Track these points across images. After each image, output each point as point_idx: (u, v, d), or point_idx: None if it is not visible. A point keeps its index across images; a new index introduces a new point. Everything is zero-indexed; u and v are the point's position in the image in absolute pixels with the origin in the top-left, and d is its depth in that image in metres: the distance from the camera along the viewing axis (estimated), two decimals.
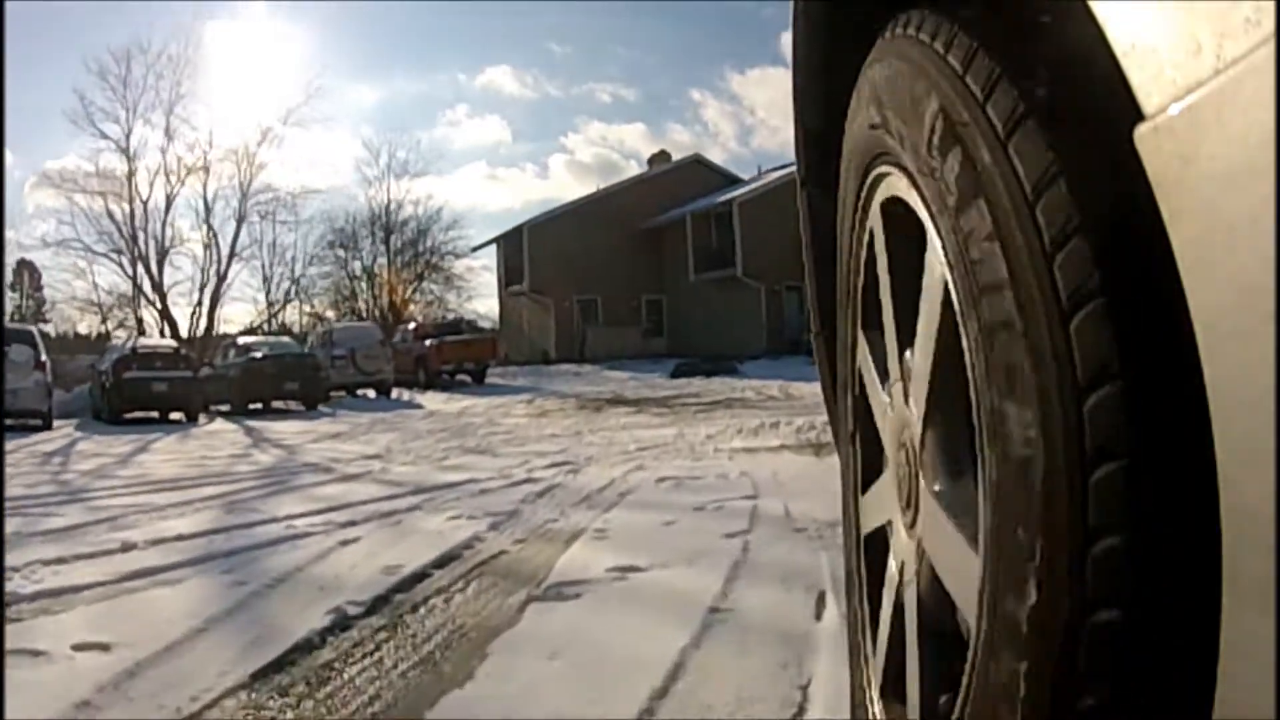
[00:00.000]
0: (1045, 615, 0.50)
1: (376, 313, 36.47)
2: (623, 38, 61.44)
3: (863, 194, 0.92)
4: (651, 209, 30.82)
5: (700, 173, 32.93)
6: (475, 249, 37.33)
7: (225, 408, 16.32)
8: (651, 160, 34.73)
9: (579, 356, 28.25)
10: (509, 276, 33.53)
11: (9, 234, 28.04)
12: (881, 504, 0.94)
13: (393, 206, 38.61)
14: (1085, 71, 0.51)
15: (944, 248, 0.65)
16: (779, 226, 24.82)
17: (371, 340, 20.40)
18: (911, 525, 0.80)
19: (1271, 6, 0.37)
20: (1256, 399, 0.38)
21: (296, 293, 37.14)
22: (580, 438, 7.87)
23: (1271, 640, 0.38)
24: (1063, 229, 0.51)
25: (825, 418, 4.52)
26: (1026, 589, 0.52)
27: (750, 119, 58.94)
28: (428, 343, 21.62)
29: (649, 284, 31.18)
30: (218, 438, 10.44)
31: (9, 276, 29.78)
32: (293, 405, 16.36)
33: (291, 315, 37.30)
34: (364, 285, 39.08)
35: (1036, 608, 0.51)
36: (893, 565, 0.88)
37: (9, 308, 32.00)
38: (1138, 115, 0.45)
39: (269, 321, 35.75)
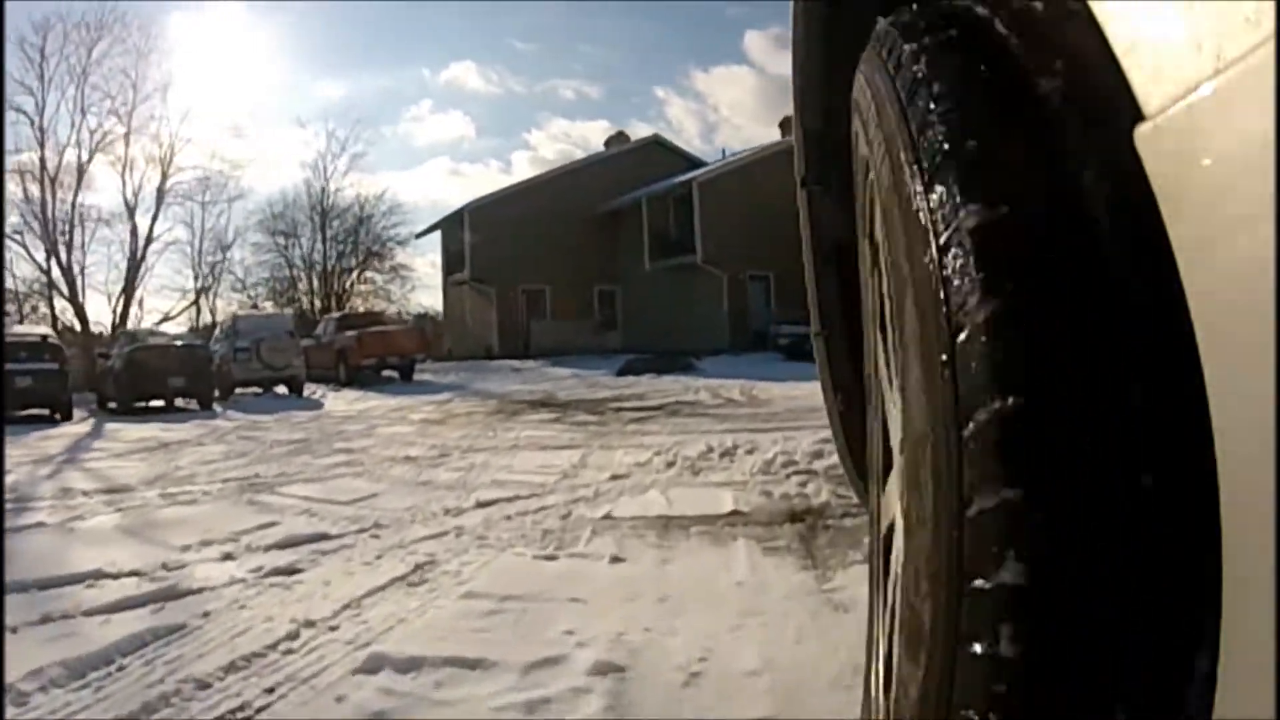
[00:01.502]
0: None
1: (318, 304, 37.21)
2: (587, 35, 66.23)
3: (865, 195, 0.98)
4: (607, 193, 30.49)
5: (660, 155, 32.73)
6: (418, 235, 37.63)
7: (114, 405, 15.77)
8: (609, 142, 34.39)
9: (524, 351, 28.02)
10: (450, 265, 33.37)
11: None
12: (889, 502, 0.99)
13: (332, 190, 39.34)
14: (1085, 71, 0.56)
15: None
16: (743, 209, 24.66)
17: (279, 331, 19.77)
18: None
19: (1271, 6, 0.40)
20: (1256, 399, 0.41)
21: (217, 280, 37.25)
22: (443, 462, 6.38)
23: (1271, 640, 0.41)
24: (949, 236, 0.58)
25: (805, 437, 5.04)
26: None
27: (714, 116, 63.13)
28: (349, 335, 21.05)
29: (603, 273, 30.99)
30: None
31: None
32: (191, 404, 15.79)
33: (233, 308, 36.98)
34: (303, 274, 39.69)
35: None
36: (894, 563, 0.92)
37: None
38: (1138, 115, 0.48)
39: (197, 312, 35.94)
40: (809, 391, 10.40)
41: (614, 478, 5.19)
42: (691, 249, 26.86)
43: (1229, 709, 0.46)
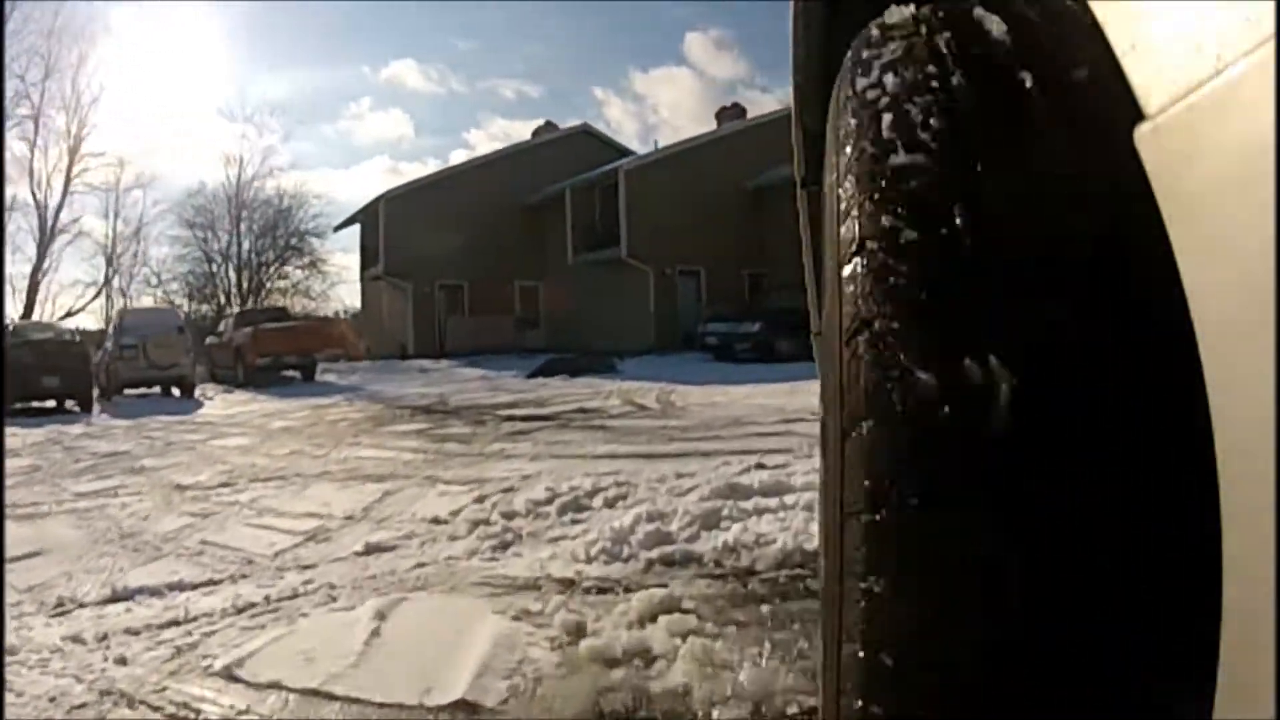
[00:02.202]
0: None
1: (237, 300, 37.38)
2: (527, 34, 69.55)
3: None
4: (533, 185, 29.92)
5: (589, 145, 32.28)
6: (337, 228, 37.03)
7: None
8: (537, 132, 33.96)
9: (440, 351, 27.62)
10: (366, 259, 32.92)
11: None
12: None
13: (249, 181, 39.80)
14: (1085, 71, 0.58)
15: None
16: (674, 201, 24.46)
17: (167, 327, 19.08)
18: None
19: (1271, 6, 0.42)
20: (1257, 399, 0.42)
21: (128, 274, 37.43)
22: (210, 495, 5.40)
23: (1271, 639, 0.42)
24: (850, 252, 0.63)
25: (707, 473, 4.82)
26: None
27: (654, 118, 65.76)
28: (245, 332, 20.50)
29: (525, 269, 30.46)
30: None
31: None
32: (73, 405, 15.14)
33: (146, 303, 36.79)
34: (222, 269, 39.85)
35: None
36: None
37: None
38: (1138, 115, 0.50)
39: (109, 308, 35.75)
40: (734, 397, 10.18)
41: (366, 551, 3.73)
42: (617, 242, 26.12)
43: (1229, 709, 0.48)
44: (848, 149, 0.76)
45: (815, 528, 2.72)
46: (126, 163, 35.68)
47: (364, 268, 33.14)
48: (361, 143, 67.03)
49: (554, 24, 68.21)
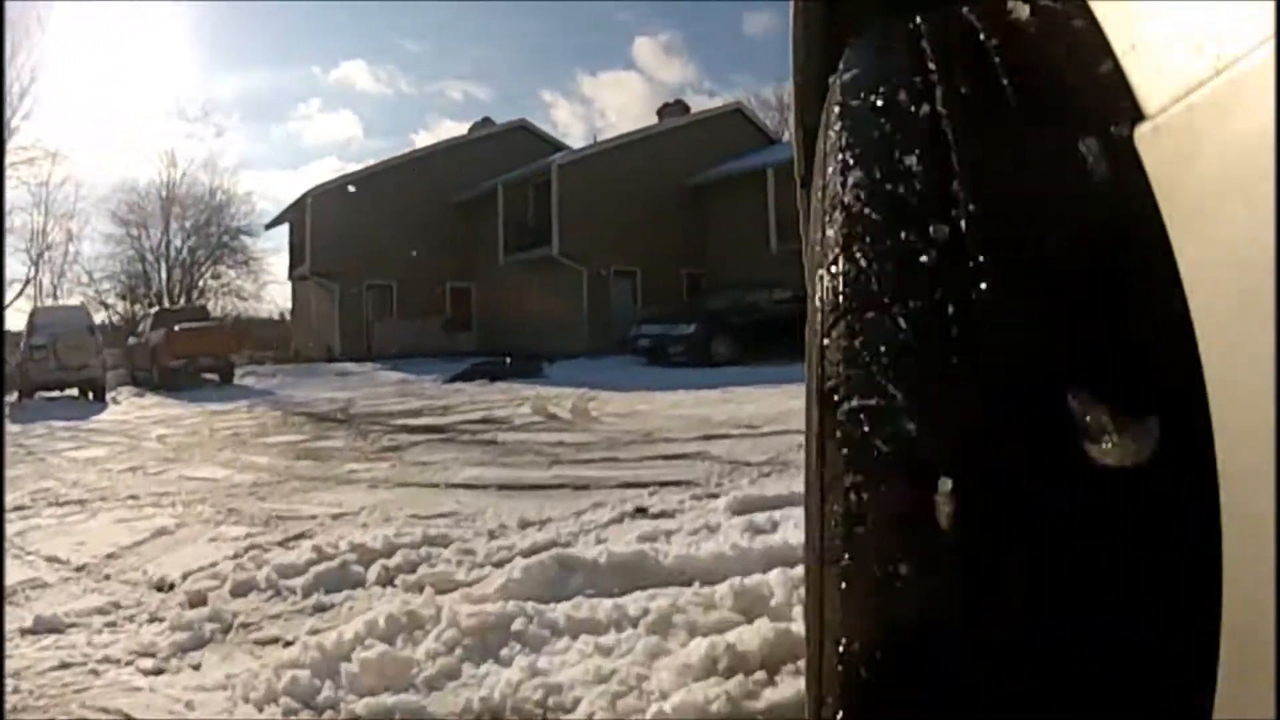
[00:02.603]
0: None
1: (167, 300, 36.68)
2: (477, 36, 71.37)
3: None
4: (468, 182, 29.31)
5: (527, 142, 31.52)
6: (268, 226, 36.26)
7: None
8: (474, 128, 33.41)
9: (367, 353, 26.94)
10: (294, 258, 32.16)
11: None
12: None
13: (180, 178, 39.40)
14: (1085, 71, 0.59)
15: None
16: (611, 199, 24.19)
17: (77, 327, 18.65)
18: None
19: (1271, 6, 0.43)
20: (1257, 399, 0.44)
21: (37, 272, 36.45)
22: None
23: (1271, 639, 0.43)
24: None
25: (616, 517, 4.29)
26: None
27: (600, 122, 68.01)
28: (159, 333, 20.42)
29: (457, 269, 29.99)
30: None
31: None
32: None
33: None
34: (155, 267, 39.47)
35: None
36: None
37: None
38: (1138, 115, 0.52)
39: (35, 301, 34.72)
40: (658, 406, 9.87)
41: (34, 629, 2.93)
42: (549, 240, 25.61)
43: (1229, 709, 0.49)
44: (833, 158, 0.77)
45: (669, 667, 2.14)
46: (61, 157, 34.76)
47: (292, 267, 32.43)
48: (311, 144, 68.00)
49: (503, 26, 70.53)
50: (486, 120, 33.69)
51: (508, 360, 18.49)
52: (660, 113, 30.24)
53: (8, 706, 2.27)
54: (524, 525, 4.06)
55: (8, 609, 3.18)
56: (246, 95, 67.30)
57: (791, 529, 3.35)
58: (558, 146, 32.19)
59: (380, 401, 12.88)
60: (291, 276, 33.04)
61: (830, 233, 0.74)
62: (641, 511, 4.22)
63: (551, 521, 4.11)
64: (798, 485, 4.04)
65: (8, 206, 32.84)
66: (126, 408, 15.39)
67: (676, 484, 4.94)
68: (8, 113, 31.59)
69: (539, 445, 7.21)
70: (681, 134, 27.61)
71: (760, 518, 3.67)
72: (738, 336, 17.88)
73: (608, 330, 24.07)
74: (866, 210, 0.70)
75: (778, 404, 8.97)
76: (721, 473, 5.27)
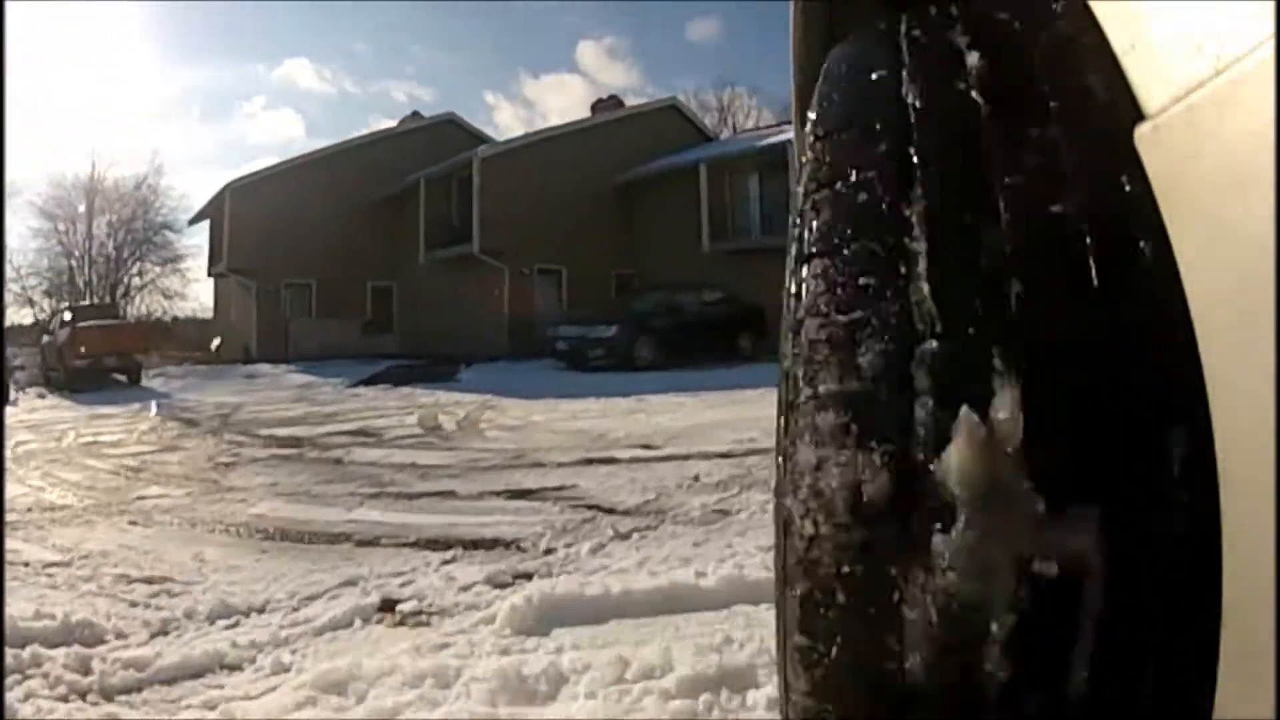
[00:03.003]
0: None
1: (90, 297, 36.31)
2: (422, 37, 72.75)
3: None
4: (395, 177, 28.03)
5: (456, 137, 30.19)
6: (192, 221, 35.16)
7: None
8: (402, 122, 32.53)
9: (285, 355, 25.97)
10: (213, 253, 31.04)
11: None
12: None
13: (104, 173, 38.88)
14: (1086, 71, 0.61)
15: None
16: (536, 194, 23.54)
17: None
18: None
19: (1271, 6, 0.44)
20: (1256, 398, 0.45)
21: None
22: None
23: (1271, 640, 0.44)
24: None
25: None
26: None
27: (542, 124, 66.93)
28: (65, 332, 20.23)
29: (379, 267, 29.05)
30: None
31: None
32: None
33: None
34: (81, 264, 39.11)
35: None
36: None
37: None
38: (1138, 115, 0.53)
39: None
40: (558, 416, 9.32)
41: None
42: (470, 237, 24.29)
43: (1229, 709, 0.50)
44: (807, 169, 0.80)
45: None
46: None
47: (211, 264, 31.42)
48: (254, 142, 68.39)
49: (447, 27, 72.17)
50: (416, 114, 33.03)
51: (422, 364, 18.16)
52: (594, 108, 29.66)
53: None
54: (213, 618, 3.13)
55: None
56: (191, 91, 69.34)
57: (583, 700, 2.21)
58: (486, 141, 31.02)
59: (268, 407, 12.44)
60: (210, 273, 32.11)
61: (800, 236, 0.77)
62: (389, 607, 3.15)
63: (248, 616, 3.16)
64: (663, 561, 3.48)
65: None
66: (19, 410, 14.94)
67: (493, 545, 4.03)
68: None
69: (385, 468, 6.54)
70: (614, 129, 27.06)
71: (543, 656, 2.47)
72: (662, 339, 17.38)
73: (531, 332, 22.61)
74: (824, 224, 0.74)
75: (690, 415, 8.66)
76: (569, 526, 4.30)
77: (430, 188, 26.89)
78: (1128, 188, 0.56)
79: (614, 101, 30.01)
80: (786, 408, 0.75)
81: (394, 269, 29.35)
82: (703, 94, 52.75)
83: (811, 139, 0.82)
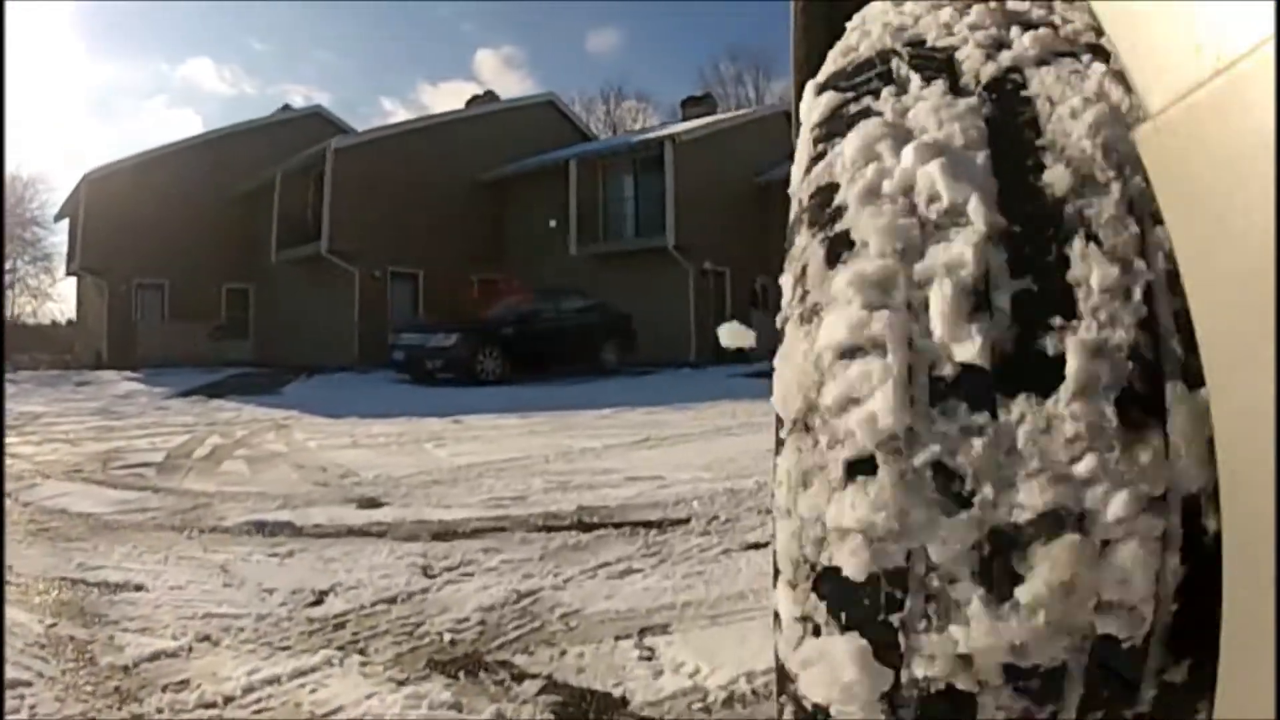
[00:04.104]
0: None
1: None
2: (322, 40, 76.72)
3: None
4: (259, 172, 27.02)
5: (325, 131, 28.48)
6: (58, 217, 33.38)
7: None
8: (275, 115, 31.26)
9: (132, 360, 24.80)
10: (70, 250, 29.69)
11: None
12: None
13: None
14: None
15: None
16: (392, 190, 22.86)
17: None
18: None
19: (1271, 6, 0.46)
20: (1256, 398, 0.46)
21: None
22: None
23: (1271, 640, 0.46)
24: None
25: None
26: None
27: None
28: None
29: (236, 268, 28.04)
30: None
31: None
32: None
33: None
34: None
35: None
36: None
37: None
38: (1138, 115, 0.55)
39: None
40: (344, 441, 7.87)
41: None
42: (320, 236, 23.60)
43: (1229, 709, 0.52)
44: (798, 173, 0.84)
45: None
46: None
47: (68, 262, 30.11)
48: (155, 142, 65.60)
49: (348, 30, 75.71)
50: (286, 107, 32.20)
51: (265, 373, 17.55)
52: (469, 104, 29.69)
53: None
54: None
55: None
56: (93, 89, 71.79)
57: None
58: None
59: (51, 421, 11.59)
60: (68, 272, 30.80)
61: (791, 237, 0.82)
62: None
63: None
64: None
65: None
66: None
67: None
68: None
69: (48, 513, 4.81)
70: (485, 124, 26.52)
71: None
72: (511, 350, 16.65)
73: (381, 340, 21.52)
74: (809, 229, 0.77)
75: (493, 446, 7.20)
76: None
77: (286, 183, 25.78)
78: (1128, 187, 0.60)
79: (489, 96, 29.74)
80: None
81: (251, 270, 28.24)
82: (588, 96, 53.74)
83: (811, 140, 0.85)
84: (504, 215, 25.53)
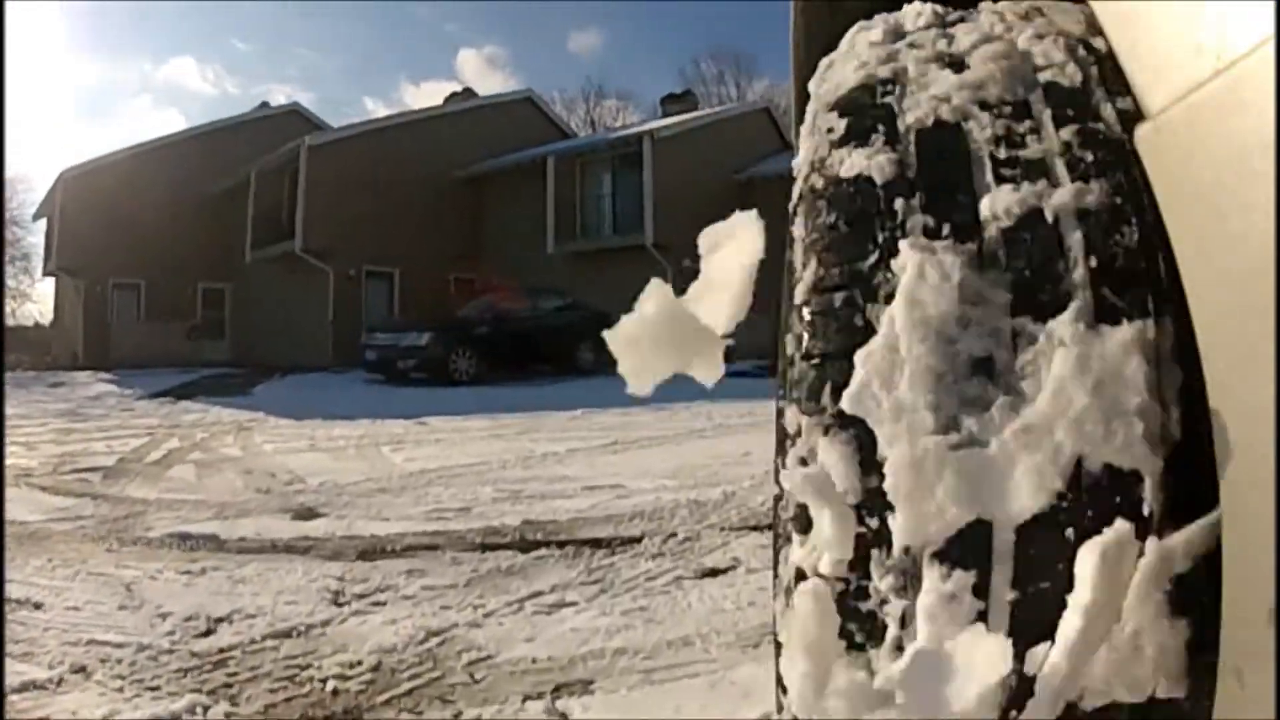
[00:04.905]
0: None
1: None
2: (305, 39, 77.24)
3: None
4: (236, 170, 26.66)
5: (303, 129, 28.04)
6: (37, 216, 32.92)
7: None
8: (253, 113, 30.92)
9: (108, 361, 24.30)
10: (46, 250, 29.56)
11: None
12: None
13: None
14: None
15: None
16: (366, 188, 22.69)
17: None
18: None
19: (1271, 6, 0.45)
20: (1256, 397, 0.46)
21: None
22: None
23: (1271, 640, 0.46)
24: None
25: None
26: None
27: None
28: None
29: (212, 267, 27.62)
30: None
31: None
32: None
33: None
34: None
35: None
36: None
37: None
38: (1138, 115, 0.55)
39: None
40: (302, 444, 7.67)
41: None
42: (294, 234, 23.34)
43: (1229, 709, 0.52)
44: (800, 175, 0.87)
45: None
46: None
47: (45, 261, 30.40)
48: (137, 141, 67.71)
49: (330, 29, 76.22)
50: (264, 105, 31.85)
51: (240, 374, 17.41)
52: (448, 101, 29.43)
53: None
54: None
55: None
56: (77, 88, 71.96)
57: None
58: None
59: (15, 424, 11.19)
60: (44, 272, 30.62)
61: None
62: None
63: None
64: None
65: None
66: None
67: None
68: None
69: None
70: (463, 121, 26.23)
71: None
72: (485, 350, 16.42)
73: (358, 340, 20.05)
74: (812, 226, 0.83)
75: (453, 450, 7.18)
76: None
77: (261, 180, 25.44)
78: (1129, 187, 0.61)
79: (467, 93, 29.61)
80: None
81: (227, 269, 27.85)
82: (569, 95, 54.25)
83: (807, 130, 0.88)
84: (481, 213, 25.32)
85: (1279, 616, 0.46)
